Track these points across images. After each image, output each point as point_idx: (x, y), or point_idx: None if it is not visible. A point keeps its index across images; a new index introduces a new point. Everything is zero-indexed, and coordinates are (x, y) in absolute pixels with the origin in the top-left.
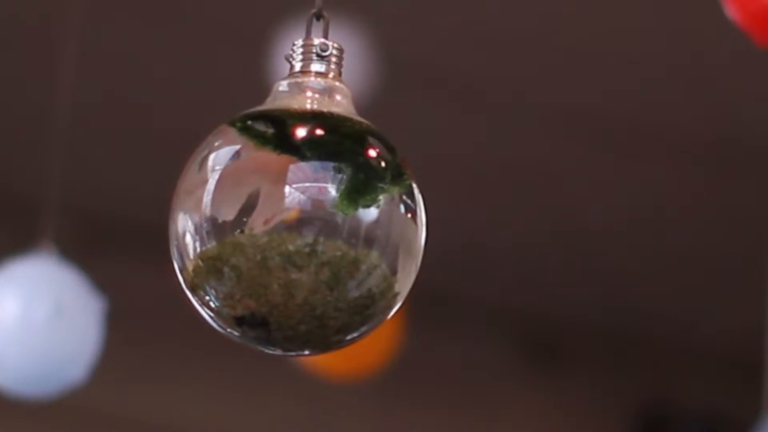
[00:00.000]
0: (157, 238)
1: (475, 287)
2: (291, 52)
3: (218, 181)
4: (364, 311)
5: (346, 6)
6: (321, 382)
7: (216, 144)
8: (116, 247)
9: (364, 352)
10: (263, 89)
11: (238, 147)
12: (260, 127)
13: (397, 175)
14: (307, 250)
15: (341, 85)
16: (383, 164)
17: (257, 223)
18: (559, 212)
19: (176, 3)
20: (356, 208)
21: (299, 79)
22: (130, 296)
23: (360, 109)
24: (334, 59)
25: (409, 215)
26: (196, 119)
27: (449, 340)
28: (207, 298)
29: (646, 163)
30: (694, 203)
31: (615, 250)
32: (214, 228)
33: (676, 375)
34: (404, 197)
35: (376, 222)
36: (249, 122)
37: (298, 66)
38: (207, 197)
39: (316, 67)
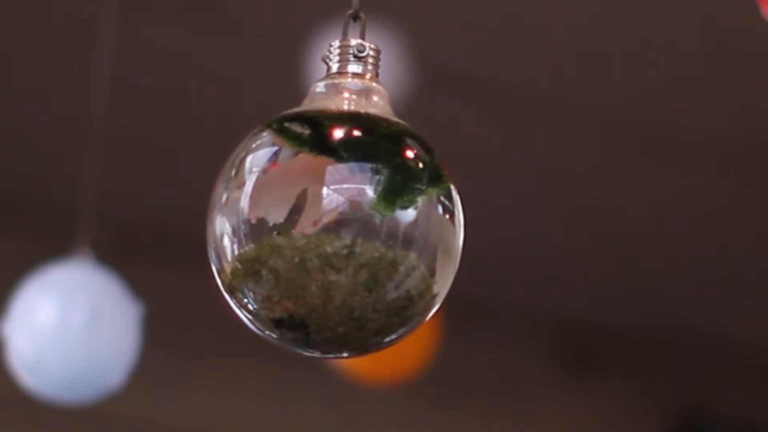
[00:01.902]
0: (193, 244)
1: (510, 293)
2: (328, 53)
3: (256, 183)
4: (403, 313)
5: (381, 8)
6: (357, 387)
7: (253, 146)
8: (152, 253)
9: (401, 358)
10: (300, 91)
11: (275, 149)
12: (297, 128)
13: (434, 176)
14: (345, 251)
15: (378, 86)
16: (421, 165)
17: (300, 226)
18: (593, 217)
19: (211, 7)
20: (394, 210)
21: (336, 80)
22: (167, 302)
23: (393, 111)
24: (371, 60)
25: (447, 216)
26: (232, 124)
27: (484, 345)
28: (245, 300)
29: (685, 169)
30: (729, 205)
31: (649, 255)
32: (252, 230)
33: (711, 380)
34: (442, 198)
35: (414, 223)
36: (286, 124)
37: (335, 67)
38: (245, 199)
39: (353, 68)
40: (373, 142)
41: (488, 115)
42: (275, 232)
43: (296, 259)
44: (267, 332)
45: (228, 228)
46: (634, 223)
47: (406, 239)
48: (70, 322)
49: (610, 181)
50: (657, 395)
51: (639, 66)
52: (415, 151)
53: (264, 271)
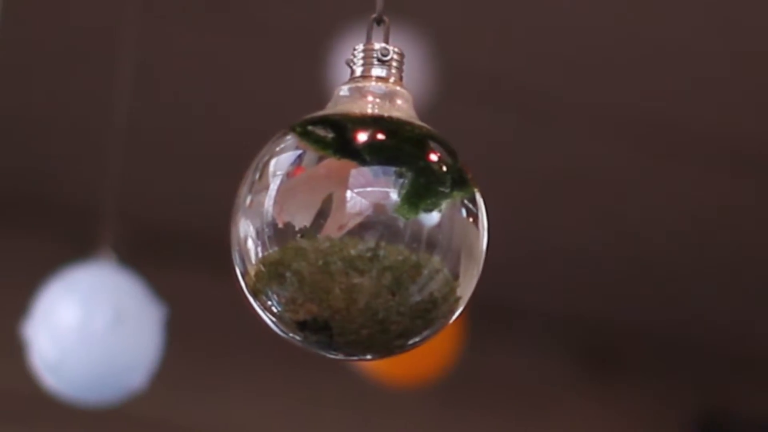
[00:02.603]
0: (216, 246)
1: (531, 295)
2: (352, 57)
3: (279, 186)
4: (426, 315)
5: (405, 13)
6: (378, 390)
7: (277, 149)
8: (175, 255)
9: (422, 360)
10: (324, 94)
11: (299, 152)
12: (320, 131)
13: (458, 179)
14: (369, 254)
15: (402, 90)
16: (444, 168)
17: (325, 230)
18: (614, 218)
19: (234, 11)
20: (417, 213)
21: (360, 84)
22: (189, 304)
23: (417, 115)
24: (394, 64)
25: (471, 219)
26: (255, 127)
27: (505, 348)
28: (269, 303)
29: (706, 168)
30: (748, 207)
31: (669, 255)
32: (276, 233)
33: (732, 381)
34: (466, 201)
35: (438, 226)
36: (309, 127)
37: (358, 71)
38: (268, 202)
39: (377, 71)
40: (397, 146)
41: (510, 118)
42: (299, 235)
43: (320, 262)
44: (291, 334)
45: (252, 231)
46: (655, 224)
47: (430, 242)
48: (92, 324)
49: (630, 182)
50: (679, 396)
51: (659, 68)
52: (439, 155)
53: (288, 274)
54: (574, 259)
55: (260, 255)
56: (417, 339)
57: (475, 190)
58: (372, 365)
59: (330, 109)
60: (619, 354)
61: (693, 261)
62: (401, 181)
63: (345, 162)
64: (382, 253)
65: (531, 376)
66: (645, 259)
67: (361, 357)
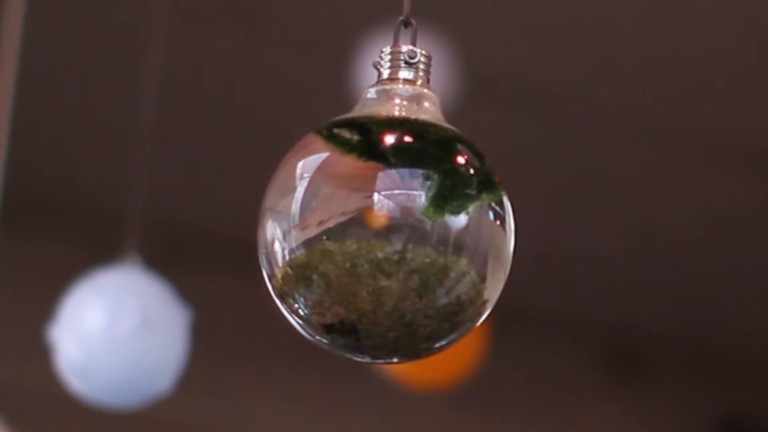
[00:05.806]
0: (241, 250)
1: (553, 299)
2: (379, 60)
3: (306, 189)
4: (453, 318)
5: (432, 16)
6: (401, 394)
7: (303, 152)
8: (201, 259)
9: (446, 364)
10: (351, 98)
11: (325, 155)
12: (346, 134)
13: (485, 181)
14: (396, 257)
15: (429, 92)
16: (471, 171)
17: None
18: (638, 222)
19: (261, 14)
20: (443, 215)
21: (387, 87)
22: (215, 308)
23: (444, 117)
24: (422, 66)
25: (498, 222)
26: (281, 131)
27: (529, 352)
28: (296, 305)
29: (728, 170)
30: None
31: (695, 260)
32: (303, 235)
33: (757, 385)
34: (493, 204)
35: (465, 229)
36: (335, 130)
37: (386, 73)
38: (295, 205)
39: (404, 74)
40: (423, 148)
41: (536, 121)
42: (326, 238)
43: (347, 265)
44: (317, 337)
45: (279, 233)
46: (680, 228)
47: (457, 245)
48: (118, 327)
49: (657, 188)
50: (702, 401)
51: (686, 71)
52: (466, 157)
53: (315, 277)
54: (599, 262)
55: (287, 257)
56: (444, 342)
57: (503, 192)
58: (396, 369)
59: (356, 112)
60: (643, 358)
61: (717, 265)
62: (428, 183)
63: (371, 164)
64: (409, 255)
65: (555, 381)
66: (669, 263)
67: (388, 360)
